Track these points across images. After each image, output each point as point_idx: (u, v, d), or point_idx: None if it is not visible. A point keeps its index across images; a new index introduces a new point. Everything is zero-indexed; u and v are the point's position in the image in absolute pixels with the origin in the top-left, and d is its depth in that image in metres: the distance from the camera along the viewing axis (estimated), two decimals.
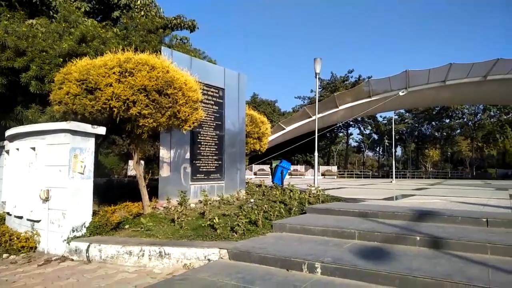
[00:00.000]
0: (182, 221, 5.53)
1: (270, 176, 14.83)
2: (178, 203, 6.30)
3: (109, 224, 5.44)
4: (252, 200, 7.29)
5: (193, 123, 6.09)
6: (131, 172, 19.23)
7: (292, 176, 35.34)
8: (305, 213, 6.60)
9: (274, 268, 3.96)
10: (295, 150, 40.06)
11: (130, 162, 18.13)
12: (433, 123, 56.40)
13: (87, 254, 4.75)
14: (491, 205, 8.13)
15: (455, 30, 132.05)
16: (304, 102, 50.16)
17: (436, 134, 58.11)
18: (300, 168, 40.97)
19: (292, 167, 39.33)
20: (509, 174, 44.64)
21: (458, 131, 56.38)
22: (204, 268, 4.11)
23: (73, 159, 5.24)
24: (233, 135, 8.43)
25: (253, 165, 34.40)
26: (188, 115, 5.90)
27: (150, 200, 6.66)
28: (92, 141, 5.57)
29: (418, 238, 4.41)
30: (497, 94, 32.63)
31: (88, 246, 4.78)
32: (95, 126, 5.52)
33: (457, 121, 54.47)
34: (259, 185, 9.73)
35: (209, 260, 4.33)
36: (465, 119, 53.20)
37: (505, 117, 48.74)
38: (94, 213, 5.69)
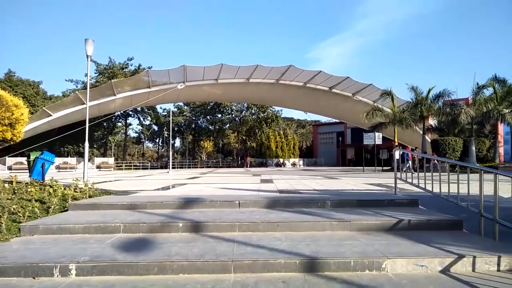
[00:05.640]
0: None
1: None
2: None
3: None
4: None
5: None
6: None
7: (61, 170, 31.43)
8: (67, 210, 5.92)
9: (16, 279, 3.33)
10: (66, 140, 35.87)
11: None
12: (208, 117, 61.78)
13: None
14: (246, 189, 9.58)
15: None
16: (77, 86, 44.71)
17: (210, 127, 63.98)
18: (71, 160, 36.64)
19: (62, 160, 35.09)
20: (263, 162, 54.34)
21: (228, 125, 63.89)
22: None
23: None
24: None
25: (6, 157, 28.44)
26: None
27: None
28: None
29: (181, 224, 4.67)
30: (256, 95, 38.91)
31: None
32: None
33: (227, 116, 61.60)
34: (10, 182, 8.08)
35: None
36: (233, 115, 60.82)
37: (262, 115, 58.61)
38: None
